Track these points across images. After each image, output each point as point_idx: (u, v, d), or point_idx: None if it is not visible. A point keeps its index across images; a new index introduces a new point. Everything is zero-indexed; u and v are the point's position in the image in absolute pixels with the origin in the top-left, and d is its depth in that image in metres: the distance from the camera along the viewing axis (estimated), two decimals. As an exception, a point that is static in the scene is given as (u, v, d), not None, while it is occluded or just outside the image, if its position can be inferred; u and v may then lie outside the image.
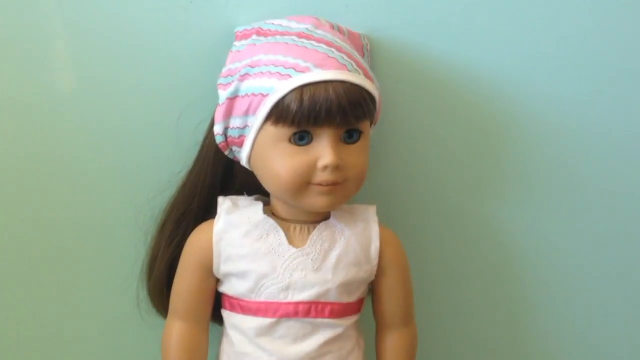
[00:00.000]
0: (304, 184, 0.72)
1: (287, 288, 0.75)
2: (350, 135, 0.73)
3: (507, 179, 0.88)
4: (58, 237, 0.86)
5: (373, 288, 0.81)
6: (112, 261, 0.87)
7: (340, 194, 0.74)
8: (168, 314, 0.79)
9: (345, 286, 0.76)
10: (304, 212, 0.76)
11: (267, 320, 0.75)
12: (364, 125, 0.74)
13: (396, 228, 0.81)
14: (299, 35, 0.75)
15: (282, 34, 0.75)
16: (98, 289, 0.88)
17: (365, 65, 0.75)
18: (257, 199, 0.79)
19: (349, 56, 0.74)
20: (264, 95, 0.71)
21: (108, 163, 0.85)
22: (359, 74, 0.72)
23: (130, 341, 0.89)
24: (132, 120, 0.84)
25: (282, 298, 0.75)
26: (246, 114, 0.73)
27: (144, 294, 0.85)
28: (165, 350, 0.78)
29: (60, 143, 0.83)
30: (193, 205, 0.80)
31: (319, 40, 0.74)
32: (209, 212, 0.80)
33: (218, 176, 0.80)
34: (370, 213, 0.79)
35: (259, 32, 0.76)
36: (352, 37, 0.81)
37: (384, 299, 0.79)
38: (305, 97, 0.69)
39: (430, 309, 0.91)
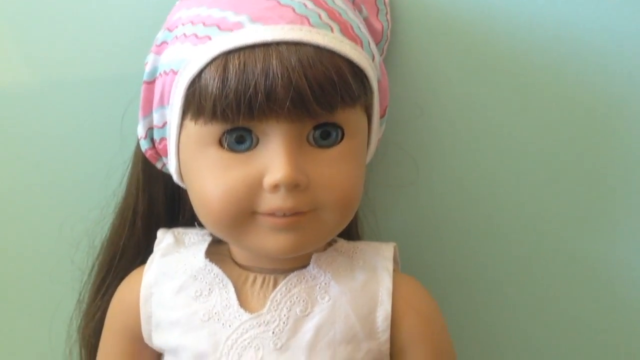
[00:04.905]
0: (245, 213, 0.49)
1: (234, 376, 0.52)
2: (326, 135, 0.50)
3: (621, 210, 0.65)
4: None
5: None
6: (35, 317, 0.69)
7: (310, 231, 0.50)
8: None
9: (331, 377, 0.52)
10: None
11: None
12: (349, 117, 0.50)
13: (438, 283, 0.58)
14: None
15: None
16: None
17: (353, 18, 0.51)
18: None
19: (319, 3, 0.50)
20: (174, 73, 0.50)
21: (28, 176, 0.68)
22: (330, 30, 0.48)
23: None
24: (60, 120, 0.67)
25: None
26: (161, 104, 0.52)
27: None
28: None
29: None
30: (123, 241, 0.61)
31: None
32: (148, 252, 0.59)
33: (158, 199, 0.60)
34: (382, 256, 0.55)
35: None
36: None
37: None
38: (231, 71, 0.47)
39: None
